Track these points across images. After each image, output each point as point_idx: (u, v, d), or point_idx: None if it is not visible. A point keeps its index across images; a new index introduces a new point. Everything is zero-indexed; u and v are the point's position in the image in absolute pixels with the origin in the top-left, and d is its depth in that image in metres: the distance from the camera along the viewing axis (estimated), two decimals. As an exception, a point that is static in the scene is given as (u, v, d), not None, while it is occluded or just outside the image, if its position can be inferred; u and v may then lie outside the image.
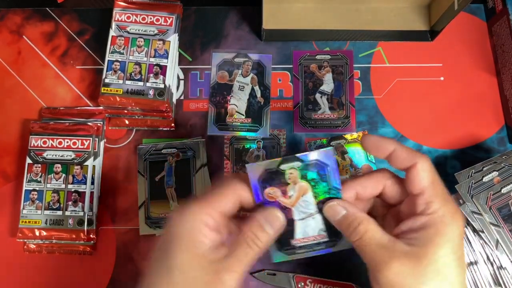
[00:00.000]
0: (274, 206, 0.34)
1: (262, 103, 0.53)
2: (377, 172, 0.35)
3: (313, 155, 0.33)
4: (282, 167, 0.33)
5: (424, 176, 0.32)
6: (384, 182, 0.35)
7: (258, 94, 0.54)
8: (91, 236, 0.49)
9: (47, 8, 0.56)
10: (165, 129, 0.53)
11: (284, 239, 0.35)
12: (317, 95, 0.54)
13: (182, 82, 0.55)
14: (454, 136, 0.53)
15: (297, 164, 0.33)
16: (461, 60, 0.55)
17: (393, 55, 0.55)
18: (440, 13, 0.52)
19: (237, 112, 0.53)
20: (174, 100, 0.53)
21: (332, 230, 0.35)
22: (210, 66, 0.55)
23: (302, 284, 0.48)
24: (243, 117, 0.53)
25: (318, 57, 0.55)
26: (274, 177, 0.33)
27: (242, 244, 0.32)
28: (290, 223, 0.35)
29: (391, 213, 0.36)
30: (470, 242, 0.46)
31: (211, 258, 0.31)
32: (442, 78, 0.55)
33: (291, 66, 0.55)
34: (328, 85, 0.54)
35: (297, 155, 0.33)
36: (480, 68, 0.55)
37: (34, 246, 0.49)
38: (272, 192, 0.34)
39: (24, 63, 0.55)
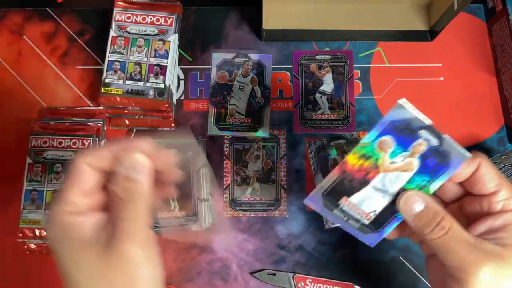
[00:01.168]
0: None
1: (262, 103, 0.53)
2: None
3: (454, 148, 0.30)
4: (421, 132, 0.30)
5: (492, 172, 0.30)
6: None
7: (258, 94, 0.54)
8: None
9: (47, 8, 0.57)
10: (165, 129, 0.53)
11: (339, 192, 0.32)
12: (317, 95, 0.54)
13: (182, 82, 0.55)
14: (454, 136, 0.52)
15: (434, 142, 0.30)
16: (461, 60, 0.55)
17: (393, 55, 0.55)
18: (440, 13, 0.52)
19: (237, 112, 0.53)
20: (174, 100, 0.53)
21: (378, 220, 0.33)
22: (210, 66, 0.55)
23: (302, 284, 0.48)
24: (243, 117, 0.53)
25: (318, 57, 0.55)
26: (404, 133, 0.30)
27: (122, 206, 0.28)
28: (363, 184, 0.31)
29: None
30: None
31: (102, 241, 0.27)
32: (442, 78, 0.55)
33: (291, 66, 0.55)
34: (328, 85, 0.54)
35: (443, 135, 0.30)
36: (480, 68, 0.55)
37: (35, 246, 0.49)
38: (386, 143, 0.30)
39: (25, 63, 0.55)
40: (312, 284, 0.48)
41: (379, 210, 0.32)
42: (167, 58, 0.51)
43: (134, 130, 0.53)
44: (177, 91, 0.54)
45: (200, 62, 0.55)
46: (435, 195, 0.33)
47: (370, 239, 0.33)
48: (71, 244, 0.27)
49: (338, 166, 0.31)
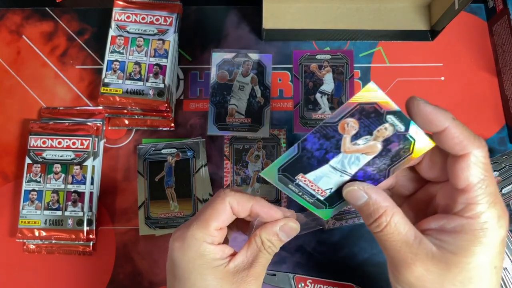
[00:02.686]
0: (331, 146, 0.30)
1: (262, 103, 0.53)
2: None
3: (418, 133, 0.29)
4: (389, 117, 0.29)
5: (475, 171, 0.27)
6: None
7: (258, 94, 0.54)
8: (90, 236, 0.48)
9: (46, 8, 0.56)
10: (165, 129, 0.53)
11: (297, 168, 0.31)
12: (318, 95, 0.54)
13: (182, 82, 0.54)
14: (455, 136, 0.53)
15: (401, 127, 0.29)
16: (462, 60, 0.55)
17: (393, 55, 0.55)
18: (440, 13, 0.52)
19: (237, 112, 0.53)
20: (174, 100, 0.53)
21: (332, 197, 0.33)
22: (210, 66, 0.55)
23: (302, 284, 0.48)
24: (243, 117, 0.53)
25: (318, 57, 0.55)
26: (370, 115, 0.29)
27: (263, 253, 0.33)
28: (321, 162, 0.31)
29: (409, 202, 0.33)
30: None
31: (232, 271, 0.32)
32: (442, 78, 0.55)
33: (291, 66, 0.55)
34: (328, 85, 0.54)
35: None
36: (481, 68, 0.55)
37: (34, 247, 0.49)
38: (351, 126, 0.29)
39: (24, 63, 0.55)
40: (313, 284, 0.48)
41: (335, 188, 0.32)
42: (166, 57, 0.51)
43: (134, 130, 0.53)
44: (176, 91, 0.54)
45: (200, 61, 0.55)
46: (389, 190, 0.34)
47: (323, 214, 0.34)
48: (202, 269, 0.32)
49: (297, 143, 0.30)
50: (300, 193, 0.33)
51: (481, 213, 0.27)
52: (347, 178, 0.31)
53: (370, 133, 0.29)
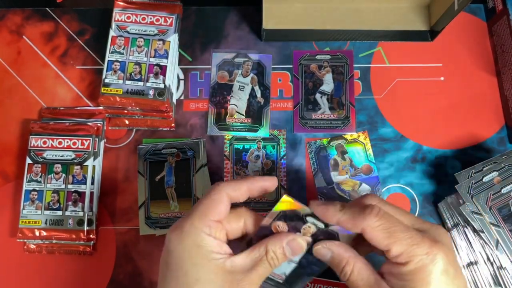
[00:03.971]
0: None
1: (262, 103, 0.53)
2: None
3: (338, 229, 0.35)
4: (308, 218, 0.35)
5: (378, 235, 0.31)
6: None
7: (258, 94, 0.54)
8: (91, 236, 0.49)
9: (47, 8, 0.56)
10: (165, 129, 0.53)
11: None
12: (317, 95, 0.54)
13: (182, 82, 0.54)
14: (454, 136, 0.53)
15: (321, 225, 0.35)
16: (461, 60, 0.55)
17: (393, 55, 0.55)
18: (440, 13, 0.52)
19: (237, 112, 0.53)
20: (174, 100, 0.53)
21: (290, 279, 0.37)
22: (210, 66, 0.55)
23: (302, 284, 0.48)
24: (243, 117, 0.53)
25: (318, 57, 0.55)
26: (294, 219, 0.35)
27: (264, 262, 0.33)
28: None
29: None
30: (470, 242, 0.46)
31: (227, 269, 0.32)
32: (442, 78, 0.55)
33: (291, 66, 0.55)
34: (328, 85, 0.54)
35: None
36: (480, 68, 0.55)
37: (34, 246, 0.49)
38: (281, 227, 0.36)
39: (24, 63, 0.55)
40: (312, 284, 0.48)
41: (288, 272, 0.36)
42: (167, 58, 0.51)
43: (134, 130, 0.53)
44: (177, 91, 0.54)
45: (200, 62, 0.55)
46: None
47: None
48: (198, 259, 0.32)
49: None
50: (274, 285, 0.37)
51: (410, 257, 0.31)
52: (293, 265, 0.36)
53: (299, 231, 0.35)
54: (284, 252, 0.34)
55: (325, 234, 0.35)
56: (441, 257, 0.31)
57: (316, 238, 0.35)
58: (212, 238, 0.33)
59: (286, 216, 0.35)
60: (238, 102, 0.53)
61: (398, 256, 0.31)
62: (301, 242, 0.35)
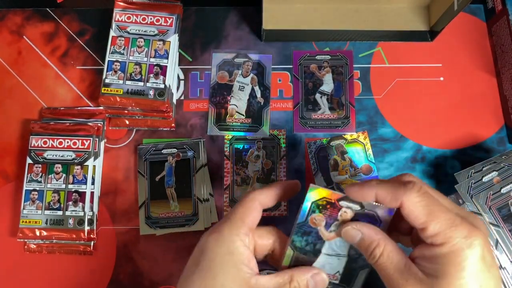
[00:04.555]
0: (313, 232, 0.35)
1: (262, 103, 0.54)
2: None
3: (375, 207, 0.33)
4: (341, 203, 0.34)
5: (417, 211, 0.30)
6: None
7: (258, 94, 0.54)
8: (91, 236, 0.49)
9: (47, 9, 0.57)
10: (165, 129, 0.53)
11: (302, 263, 0.36)
12: (317, 95, 0.54)
13: (182, 82, 0.55)
14: (454, 136, 0.53)
15: (356, 207, 0.34)
16: (461, 60, 0.55)
17: (393, 55, 0.55)
18: (439, 13, 0.52)
19: (237, 112, 0.53)
20: (174, 100, 0.53)
21: (345, 277, 0.36)
22: (210, 66, 0.55)
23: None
24: (243, 117, 0.53)
25: (318, 57, 0.55)
26: (327, 207, 0.34)
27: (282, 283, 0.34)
28: (317, 253, 0.36)
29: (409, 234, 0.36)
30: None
31: (251, 286, 0.32)
32: (441, 78, 0.55)
33: (291, 66, 0.55)
34: (328, 85, 0.54)
35: (363, 202, 0.33)
36: (480, 68, 0.55)
37: (35, 246, 0.49)
38: (318, 219, 0.35)
39: (25, 63, 0.55)
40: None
41: (341, 269, 0.36)
42: (167, 58, 0.51)
43: (134, 130, 0.53)
44: (177, 91, 0.54)
45: (200, 62, 0.55)
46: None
47: None
48: (231, 268, 0.32)
49: (288, 245, 0.36)
50: None
51: (448, 238, 0.29)
52: (344, 259, 0.35)
53: (337, 219, 0.34)
54: (308, 284, 0.34)
55: (364, 216, 0.33)
56: (480, 243, 0.29)
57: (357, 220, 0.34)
58: (246, 248, 0.33)
59: (319, 206, 0.34)
60: (238, 102, 0.53)
61: (435, 236, 0.30)
62: (324, 277, 0.35)
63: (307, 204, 0.34)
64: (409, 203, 0.31)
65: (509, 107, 0.53)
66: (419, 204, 0.30)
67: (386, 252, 0.32)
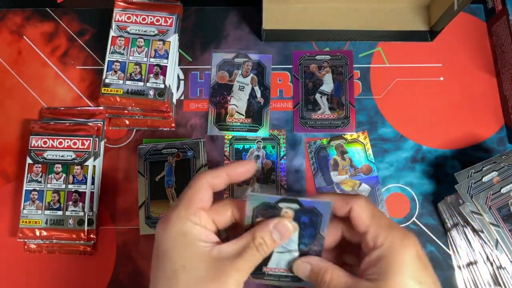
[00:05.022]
0: None
1: (262, 103, 0.54)
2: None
3: (312, 203, 0.34)
4: (281, 204, 0.35)
5: (363, 214, 0.34)
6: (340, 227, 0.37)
7: (258, 94, 0.54)
8: (91, 236, 0.49)
9: (47, 8, 0.57)
10: (165, 129, 0.53)
11: (258, 266, 0.36)
12: (317, 95, 0.54)
13: (182, 82, 0.55)
14: (454, 136, 0.53)
15: (295, 206, 0.35)
16: (461, 60, 0.56)
17: (393, 55, 0.55)
18: (439, 13, 0.52)
19: (237, 112, 0.53)
20: (174, 100, 0.53)
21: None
22: (210, 66, 0.55)
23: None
24: (243, 117, 0.53)
25: (318, 57, 0.55)
26: (269, 211, 0.35)
27: (252, 248, 0.33)
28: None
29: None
30: (469, 242, 0.47)
31: (214, 256, 0.32)
32: (441, 78, 0.55)
33: (291, 66, 0.55)
34: (328, 85, 0.54)
35: (299, 198, 0.34)
36: (480, 68, 0.55)
37: (35, 246, 0.49)
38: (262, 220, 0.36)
39: (25, 63, 0.55)
40: None
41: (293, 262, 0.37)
42: (167, 58, 0.51)
43: (134, 130, 0.53)
44: (177, 91, 0.54)
45: (200, 62, 0.55)
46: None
47: (306, 283, 0.37)
48: (183, 247, 0.33)
49: None
50: (277, 279, 0.38)
51: (385, 239, 0.33)
52: (296, 254, 0.36)
53: None
54: (272, 236, 0.34)
55: (305, 213, 0.35)
56: (414, 243, 0.33)
57: (300, 221, 0.35)
58: (198, 227, 0.33)
59: (260, 212, 0.35)
60: (238, 102, 0.53)
61: (376, 237, 0.33)
62: (287, 224, 0.35)
63: (249, 211, 0.35)
64: (357, 207, 0.34)
65: (509, 107, 0.53)
66: (365, 208, 0.34)
67: (334, 275, 0.34)
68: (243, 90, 0.54)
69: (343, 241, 0.37)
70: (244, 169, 0.37)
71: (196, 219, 0.33)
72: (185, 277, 0.32)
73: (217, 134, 0.53)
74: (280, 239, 0.34)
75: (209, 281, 0.31)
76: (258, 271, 0.37)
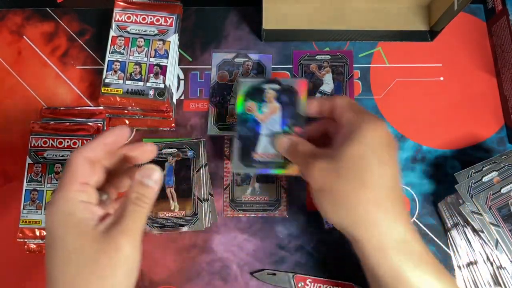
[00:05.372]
0: (252, 119, 0.43)
1: (262, 103, 0.53)
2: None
3: (289, 81, 0.43)
4: (264, 85, 0.43)
5: (343, 103, 0.39)
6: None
7: (258, 94, 0.54)
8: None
9: (47, 8, 0.57)
10: (165, 129, 0.53)
11: (247, 152, 0.43)
12: (317, 95, 0.54)
13: (182, 82, 0.55)
14: (454, 136, 0.53)
15: (276, 86, 0.43)
16: (461, 60, 0.55)
17: (393, 55, 0.55)
18: (439, 13, 0.52)
19: (237, 112, 0.53)
20: (174, 100, 0.53)
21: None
22: (210, 66, 0.55)
23: (302, 284, 0.48)
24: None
25: (318, 57, 0.55)
26: (256, 94, 0.43)
27: (130, 205, 0.33)
28: (257, 137, 0.43)
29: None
30: (469, 242, 0.47)
31: (100, 230, 0.32)
32: (441, 78, 0.55)
33: (291, 66, 0.55)
34: (328, 85, 0.54)
35: (279, 78, 0.43)
36: (480, 68, 0.55)
37: (35, 246, 0.49)
38: (251, 105, 0.43)
39: (25, 63, 0.55)
40: (312, 284, 0.48)
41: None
42: (167, 58, 0.51)
43: (134, 130, 0.53)
44: (177, 91, 0.54)
45: (200, 62, 0.55)
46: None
47: (292, 166, 0.42)
48: (71, 228, 0.32)
49: (235, 139, 0.43)
50: (265, 166, 0.43)
51: (352, 116, 0.37)
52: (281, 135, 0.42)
53: (264, 101, 0.43)
54: (142, 182, 0.34)
55: (284, 92, 0.43)
56: (384, 128, 0.36)
57: (280, 100, 0.43)
58: (84, 203, 0.32)
59: (249, 95, 0.43)
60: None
61: (349, 119, 0.37)
62: (150, 165, 0.34)
63: (240, 97, 0.43)
64: (340, 100, 0.39)
65: (509, 107, 0.53)
66: (346, 101, 0.39)
67: (304, 145, 0.39)
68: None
69: (327, 137, 0.41)
70: (115, 136, 0.36)
71: (81, 195, 0.33)
72: (79, 258, 0.31)
73: (217, 134, 0.53)
74: (154, 183, 0.34)
75: (104, 255, 0.31)
76: (248, 160, 0.43)
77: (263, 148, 0.42)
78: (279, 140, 0.41)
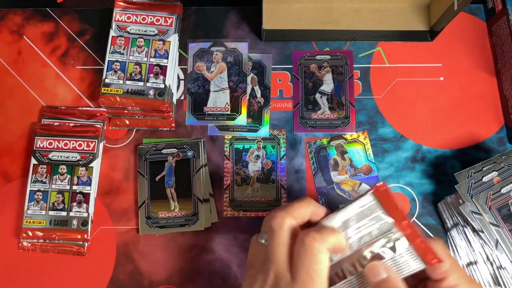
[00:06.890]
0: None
1: (262, 103, 0.54)
2: None
3: (232, 44, 0.49)
4: (213, 48, 0.49)
5: (444, 256, 0.32)
6: None
7: (258, 94, 0.54)
8: (85, 237, 0.49)
9: (47, 9, 0.57)
10: (165, 129, 0.53)
11: (200, 107, 0.48)
12: (317, 95, 0.54)
13: (182, 82, 0.55)
14: (454, 136, 0.53)
15: (222, 48, 0.48)
16: (461, 60, 0.55)
17: (393, 55, 0.55)
18: (439, 13, 0.52)
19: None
20: (174, 100, 0.53)
21: (233, 107, 0.48)
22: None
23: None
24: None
25: (318, 57, 0.55)
26: (205, 55, 0.49)
27: None
28: (207, 93, 0.49)
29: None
30: (469, 242, 0.47)
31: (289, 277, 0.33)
32: (442, 78, 0.55)
33: (291, 66, 0.55)
34: (328, 85, 0.54)
35: (223, 40, 0.49)
36: (480, 68, 0.55)
37: (38, 246, 0.49)
38: (200, 66, 0.49)
39: (25, 63, 0.55)
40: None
41: (228, 100, 0.50)
42: (167, 58, 0.51)
43: (134, 130, 0.53)
44: (177, 91, 0.54)
45: (200, 62, 0.55)
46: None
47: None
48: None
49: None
50: (215, 119, 0.49)
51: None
52: (227, 91, 0.48)
53: (212, 61, 0.50)
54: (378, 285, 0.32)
55: (235, 53, 0.48)
56: None
57: (226, 61, 0.49)
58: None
59: (200, 56, 0.47)
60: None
61: (455, 286, 0.33)
62: (370, 266, 0.33)
63: (190, 59, 0.49)
64: (438, 248, 0.32)
65: (509, 107, 0.53)
66: (446, 253, 0.33)
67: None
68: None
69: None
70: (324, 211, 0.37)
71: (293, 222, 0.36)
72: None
73: (217, 134, 0.53)
74: (386, 273, 0.32)
75: None
76: (201, 114, 0.49)
77: (212, 103, 0.48)
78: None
